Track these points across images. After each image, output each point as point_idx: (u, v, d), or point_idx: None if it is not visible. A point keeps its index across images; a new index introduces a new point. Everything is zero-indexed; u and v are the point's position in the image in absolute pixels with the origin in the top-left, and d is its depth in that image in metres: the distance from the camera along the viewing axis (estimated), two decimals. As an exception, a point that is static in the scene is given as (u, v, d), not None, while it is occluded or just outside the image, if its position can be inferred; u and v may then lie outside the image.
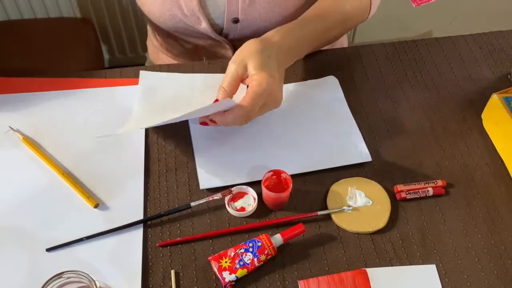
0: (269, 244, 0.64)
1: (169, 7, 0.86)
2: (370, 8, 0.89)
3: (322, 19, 0.81)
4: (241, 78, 0.70)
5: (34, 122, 0.80)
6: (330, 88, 0.86)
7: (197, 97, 0.82)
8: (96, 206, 0.70)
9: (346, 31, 0.90)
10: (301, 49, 0.79)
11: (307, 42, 0.79)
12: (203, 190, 0.72)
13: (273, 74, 0.68)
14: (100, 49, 1.49)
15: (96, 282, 0.58)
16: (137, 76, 0.86)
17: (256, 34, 0.81)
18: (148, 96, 0.82)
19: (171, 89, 0.84)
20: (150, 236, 0.68)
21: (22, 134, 0.78)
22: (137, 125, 0.77)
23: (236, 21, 0.89)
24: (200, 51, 0.98)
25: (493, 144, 0.78)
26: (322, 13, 0.82)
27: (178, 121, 0.70)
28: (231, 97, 0.70)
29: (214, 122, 0.69)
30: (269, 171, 0.70)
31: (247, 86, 0.69)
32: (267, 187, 0.68)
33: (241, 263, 0.63)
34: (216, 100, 0.70)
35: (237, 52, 0.71)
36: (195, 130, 0.79)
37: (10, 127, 0.78)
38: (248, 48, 0.70)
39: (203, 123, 0.71)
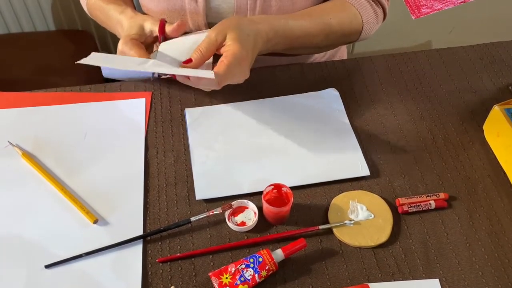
0: (270, 259, 0.64)
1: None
2: (362, 31, 0.89)
3: (307, 21, 0.84)
4: (219, 46, 0.73)
5: (33, 137, 0.79)
6: (330, 100, 0.85)
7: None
8: (95, 222, 0.69)
9: (332, 45, 0.90)
10: (277, 42, 0.81)
11: (284, 38, 0.82)
12: (203, 204, 0.72)
13: (248, 50, 0.72)
14: (100, 62, 1.49)
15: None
16: (136, 89, 0.86)
17: None
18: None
19: None
20: (149, 251, 0.67)
21: (21, 149, 0.77)
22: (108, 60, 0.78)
23: None
24: None
25: (495, 156, 0.78)
26: (308, 15, 0.84)
27: (152, 71, 0.73)
28: (206, 60, 0.73)
29: (188, 78, 0.72)
30: (270, 185, 0.69)
31: (221, 55, 0.72)
32: (268, 202, 0.68)
33: (242, 279, 0.63)
34: (190, 60, 0.71)
35: (218, 23, 0.74)
36: (194, 141, 0.79)
37: (9, 142, 0.78)
38: (230, 22, 0.74)
39: (173, 76, 0.74)
